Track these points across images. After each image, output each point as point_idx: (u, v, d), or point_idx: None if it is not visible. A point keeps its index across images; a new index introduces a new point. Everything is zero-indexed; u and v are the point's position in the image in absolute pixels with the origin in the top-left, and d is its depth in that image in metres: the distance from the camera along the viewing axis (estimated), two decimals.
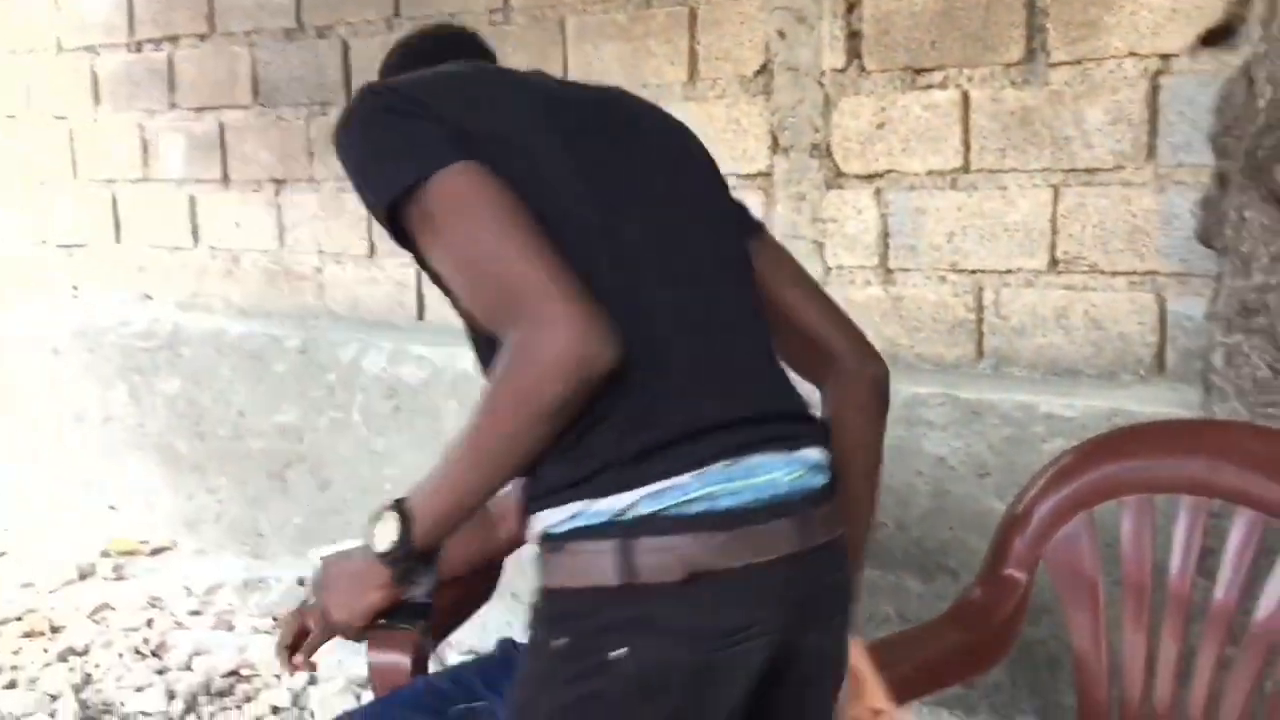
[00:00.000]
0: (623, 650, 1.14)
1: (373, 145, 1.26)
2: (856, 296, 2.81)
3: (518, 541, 2.14)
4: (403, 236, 1.26)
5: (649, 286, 1.25)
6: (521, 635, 1.98)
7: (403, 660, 1.91)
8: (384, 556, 1.24)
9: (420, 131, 1.23)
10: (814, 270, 2.81)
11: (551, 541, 1.20)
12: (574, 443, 1.17)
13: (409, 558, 1.24)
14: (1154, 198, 2.47)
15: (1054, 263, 2.61)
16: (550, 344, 1.11)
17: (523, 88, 1.36)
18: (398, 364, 3.37)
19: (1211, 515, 1.78)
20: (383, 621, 1.35)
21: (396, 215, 1.23)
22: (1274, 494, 1.62)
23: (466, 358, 3.35)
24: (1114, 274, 2.55)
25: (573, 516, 1.18)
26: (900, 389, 2.61)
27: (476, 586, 2.13)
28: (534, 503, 1.22)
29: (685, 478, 1.18)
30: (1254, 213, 1.93)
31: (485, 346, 1.25)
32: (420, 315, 3.55)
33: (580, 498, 1.17)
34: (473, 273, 1.19)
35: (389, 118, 1.26)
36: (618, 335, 1.13)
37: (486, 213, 1.17)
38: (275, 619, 3.35)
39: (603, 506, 1.17)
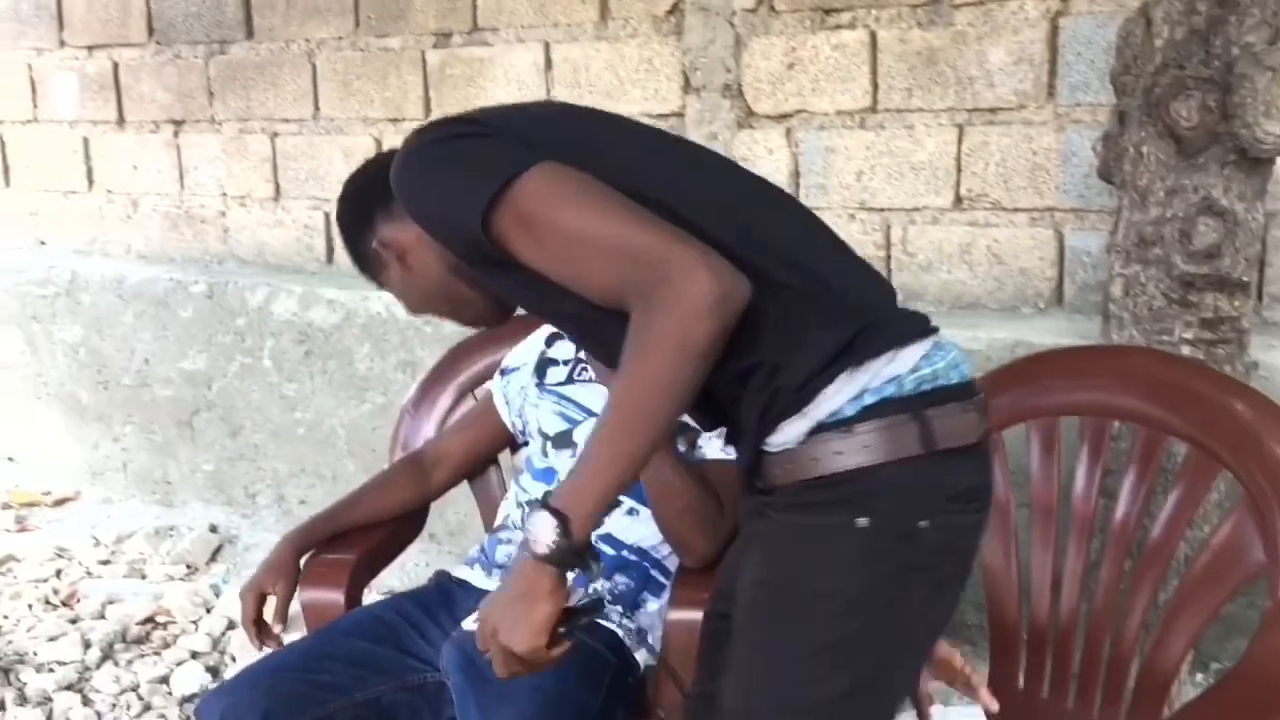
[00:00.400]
0: (926, 521, 1.19)
1: (444, 172, 1.25)
2: None
3: (449, 486, 2.17)
4: (490, 262, 1.26)
5: (766, 219, 1.32)
6: (449, 567, 2.03)
7: (336, 596, 1.93)
8: (549, 559, 1.20)
9: (491, 145, 1.24)
10: None
11: (837, 427, 1.20)
12: (829, 305, 1.22)
13: (573, 552, 1.20)
14: (1053, 136, 2.56)
15: (958, 200, 2.69)
16: (692, 288, 1.12)
17: (568, 106, 1.46)
18: (309, 308, 3.34)
19: (1113, 438, 1.88)
20: (562, 630, 1.26)
21: (488, 234, 1.21)
22: (1170, 415, 1.71)
23: (379, 301, 3.33)
24: (1015, 210, 2.64)
25: (859, 395, 1.20)
26: None
27: (403, 529, 2.16)
28: (801, 392, 1.21)
29: (928, 344, 1.25)
30: (1151, 148, 2.01)
31: (604, 330, 1.24)
32: (329, 259, 3.52)
33: (855, 362, 1.19)
34: (586, 252, 1.19)
35: (456, 143, 1.26)
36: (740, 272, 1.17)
37: (583, 194, 1.19)
38: (189, 566, 3.32)
39: (887, 375, 1.20)
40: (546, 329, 2.14)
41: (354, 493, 2.12)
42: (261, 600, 1.92)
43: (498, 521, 2.05)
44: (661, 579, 1.93)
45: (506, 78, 3.14)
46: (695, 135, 2.92)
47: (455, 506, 3.05)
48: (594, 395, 1.99)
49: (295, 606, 1.95)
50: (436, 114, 3.23)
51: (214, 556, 3.39)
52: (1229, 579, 1.71)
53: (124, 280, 3.67)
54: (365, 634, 1.82)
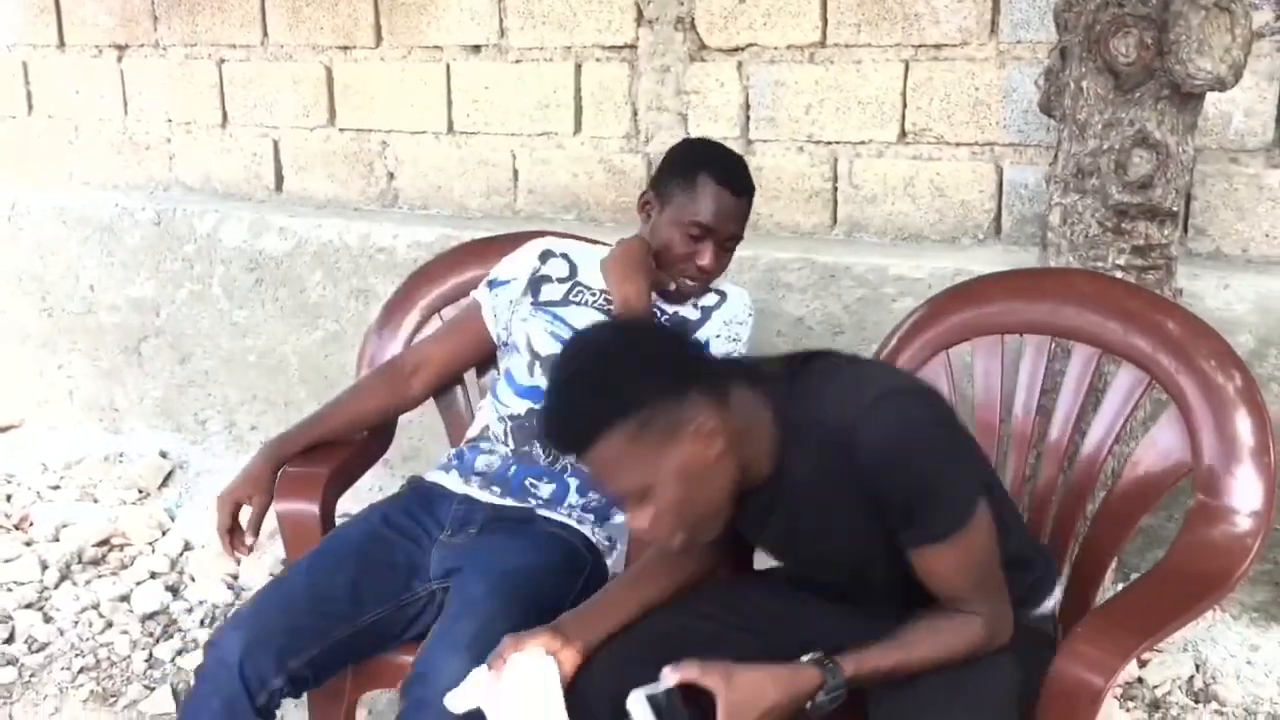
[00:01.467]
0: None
1: (944, 475, 1.47)
2: None
3: (428, 393, 2.21)
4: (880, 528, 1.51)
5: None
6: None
7: (310, 508, 1.99)
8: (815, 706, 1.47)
9: (964, 469, 1.51)
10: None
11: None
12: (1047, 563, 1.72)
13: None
14: (995, 72, 2.66)
15: (903, 134, 2.78)
16: (1000, 634, 1.52)
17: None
18: (259, 235, 3.35)
19: (1050, 359, 1.99)
20: None
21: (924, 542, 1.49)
22: (1106, 329, 1.82)
23: (330, 229, 3.35)
24: (957, 145, 2.74)
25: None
26: (761, 255, 2.77)
27: (373, 442, 2.22)
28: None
29: None
30: (1091, 83, 2.11)
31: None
32: (279, 187, 3.53)
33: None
34: (973, 578, 1.51)
35: (950, 447, 1.51)
36: None
37: (988, 548, 1.51)
38: (141, 491, 3.35)
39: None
40: (540, 244, 2.18)
41: (331, 401, 2.15)
42: (237, 508, 1.96)
43: (474, 433, 2.10)
44: None
45: (459, 7, 3.16)
46: (648, 68, 2.98)
47: (409, 431, 3.11)
48: (588, 317, 2.03)
49: (271, 520, 2.01)
50: (388, 43, 3.26)
51: (165, 482, 3.41)
52: (1154, 487, 1.83)
53: (67, 207, 3.64)
54: (362, 556, 1.87)
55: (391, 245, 3.17)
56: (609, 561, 1.96)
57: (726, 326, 2.06)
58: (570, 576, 1.84)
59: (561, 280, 2.10)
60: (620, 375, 1.43)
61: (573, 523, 1.94)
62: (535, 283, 2.11)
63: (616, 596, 1.66)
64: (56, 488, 3.39)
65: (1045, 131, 2.58)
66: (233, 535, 1.97)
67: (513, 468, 1.98)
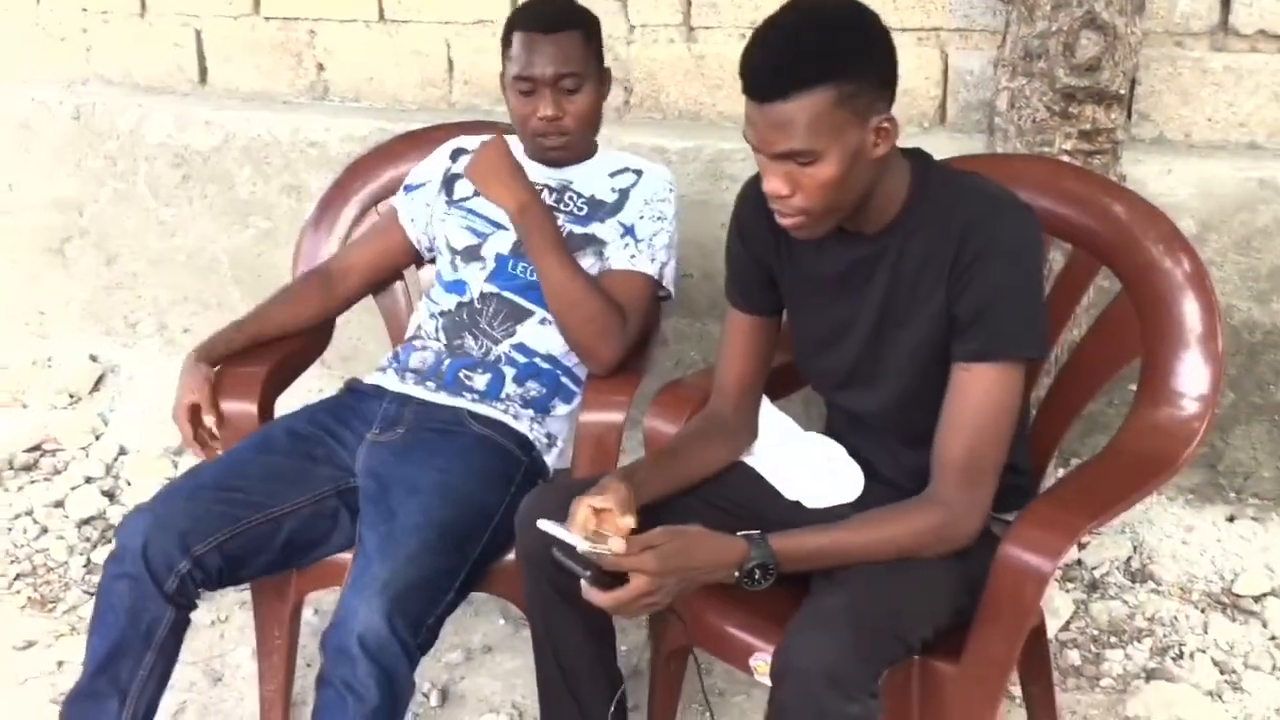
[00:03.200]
0: None
1: (1037, 298, 1.54)
2: (660, 55, 2.87)
3: (354, 299, 2.17)
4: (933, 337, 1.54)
5: None
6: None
7: (249, 407, 1.96)
8: (741, 577, 1.47)
9: (1043, 314, 1.55)
10: (618, 30, 2.84)
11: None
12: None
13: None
14: None
15: None
16: (955, 534, 1.52)
17: None
18: (184, 130, 3.23)
19: None
20: None
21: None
22: (1053, 214, 1.75)
23: (260, 123, 3.23)
24: (902, 30, 2.68)
25: None
26: (705, 145, 2.73)
27: (311, 342, 2.18)
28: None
29: None
30: None
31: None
32: (203, 79, 3.39)
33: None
34: (982, 438, 1.51)
35: (1041, 290, 1.56)
36: None
37: (1013, 411, 1.53)
38: (71, 395, 3.27)
39: None
40: (450, 144, 2.12)
41: (261, 305, 2.12)
42: (196, 414, 1.92)
43: (410, 333, 2.08)
44: (572, 386, 2.00)
45: None
46: None
47: (347, 331, 3.05)
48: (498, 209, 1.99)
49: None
50: None
51: (96, 386, 3.33)
52: (1100, 373, 1.84)
53: None
54: (279, 448, 1.85)
55: (323, 139, 3.07)
56: (548, 459, 1.94)
57: (648, 205, 2.01)
58: (501, 484, 1.81)
59: None
60: (858, 42, 1.46)
61: (509, 419, 1.91)
62: (448, 182, 2.08)
63: (657, 467, 1.65)
64: None
65: (992, 16, 2.54)
66: (200, 443, 1.92)
67: (446, 361, 1.96)
